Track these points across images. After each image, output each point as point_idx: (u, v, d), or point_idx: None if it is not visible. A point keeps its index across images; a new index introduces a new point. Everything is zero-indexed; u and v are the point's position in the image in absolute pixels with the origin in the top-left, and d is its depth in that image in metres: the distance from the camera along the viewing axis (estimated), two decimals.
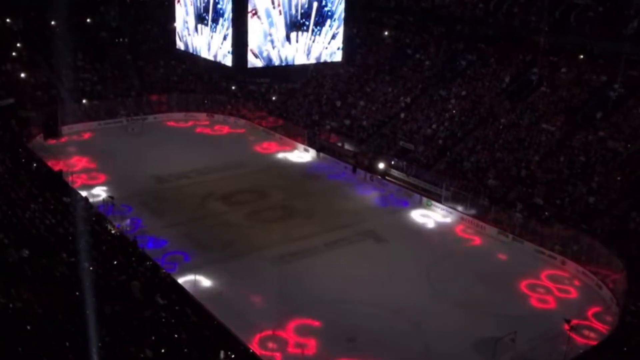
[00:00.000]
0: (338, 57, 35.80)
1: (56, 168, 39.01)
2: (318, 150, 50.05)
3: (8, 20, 58.33)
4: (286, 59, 32.96)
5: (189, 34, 36.36)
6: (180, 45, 38.00)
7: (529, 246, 35.09)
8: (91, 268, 23.06)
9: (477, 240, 36.64)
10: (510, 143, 42.87)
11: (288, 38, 32.47)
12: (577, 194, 36.99)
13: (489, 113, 46.54)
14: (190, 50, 36.99)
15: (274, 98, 59.13)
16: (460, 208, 39.35)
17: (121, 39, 62.76)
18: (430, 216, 39.79)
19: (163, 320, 21.48)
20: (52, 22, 58.97)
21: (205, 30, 34.27)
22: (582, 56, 46.44)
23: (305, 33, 32.95)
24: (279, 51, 32.46)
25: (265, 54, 32.22)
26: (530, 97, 46.00)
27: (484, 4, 53.45)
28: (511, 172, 40.72)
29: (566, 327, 25.05)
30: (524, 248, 35.23)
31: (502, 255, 34.70)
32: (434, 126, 47.74)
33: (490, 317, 28.42)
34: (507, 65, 49.74)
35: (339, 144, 49.63)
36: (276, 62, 32.74)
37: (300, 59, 33.73)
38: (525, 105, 45.48)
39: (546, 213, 36.37)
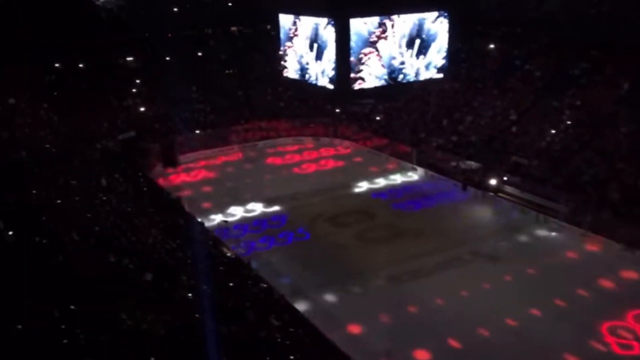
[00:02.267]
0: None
1: (174, 195, 41.14)
2: (425, 168, 49.39)
3: (128, 59, 62.76)
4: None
5: (302, 64, 37.78)
6: (288, 73, 39.37)
7: None
8: (209, 290, 23.94)
9: (599, 258, 34.44)
10: (633, 153, 40.17)
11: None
12: None
13: (607, 122, 43.94)
14: (299, 77, 38.38)
15: (378, 118, 59.18)
16: (579, 224, 37.24)
17: (230, 70, 65.72)
18: (548, 233, 37.98)
19: (278, 340, 21.85)
20: (167, 58, 62.69)
21: (312, 57, 35.41)
22: None
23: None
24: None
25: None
26: None
27: (595, 9, 50.90)
28: (635, 183, 38.08)
29: None
30: None
31: (629, 274, 32.35)
32: (548, 139, 45.74)
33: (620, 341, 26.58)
34: (624, 70, 46.88)
35: (451, 162, 48.62)
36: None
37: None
38: None
39: None
